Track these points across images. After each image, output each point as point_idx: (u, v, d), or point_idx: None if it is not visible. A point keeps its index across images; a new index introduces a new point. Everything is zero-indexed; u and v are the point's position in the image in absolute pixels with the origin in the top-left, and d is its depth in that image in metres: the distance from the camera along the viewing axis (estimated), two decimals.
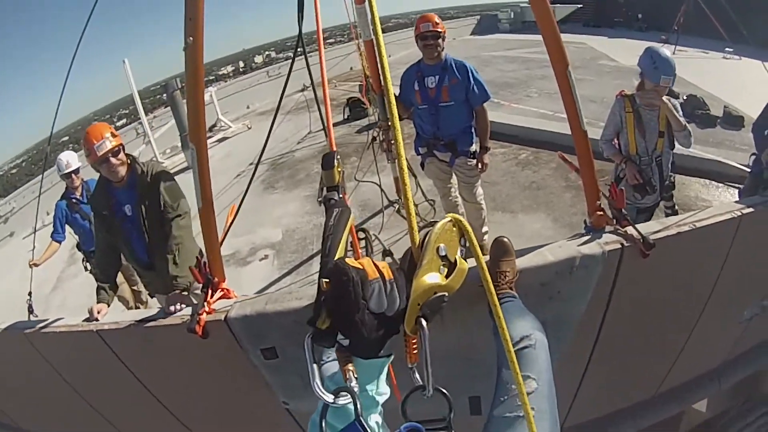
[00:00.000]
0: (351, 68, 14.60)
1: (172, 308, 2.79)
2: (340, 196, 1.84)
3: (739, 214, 2.83)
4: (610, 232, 2.70)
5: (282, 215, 6.81)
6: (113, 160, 3.21)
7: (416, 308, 0.98)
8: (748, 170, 4.18)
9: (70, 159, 5.06)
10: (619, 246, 2.57)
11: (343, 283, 0.92)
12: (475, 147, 4.42)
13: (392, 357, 1.03)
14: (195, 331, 2.48)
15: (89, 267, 5.44)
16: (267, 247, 6.02)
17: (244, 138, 11.51)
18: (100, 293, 3.41)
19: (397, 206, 5.93)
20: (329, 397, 0.90)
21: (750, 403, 4.86)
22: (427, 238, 1.03)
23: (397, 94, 4.33)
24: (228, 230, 2.81)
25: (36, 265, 4.75)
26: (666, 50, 3.68)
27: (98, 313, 3.21)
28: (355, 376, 0.94)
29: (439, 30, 4.09)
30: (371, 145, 4.75)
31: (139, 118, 11.59)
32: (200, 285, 2.72)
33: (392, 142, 4.52)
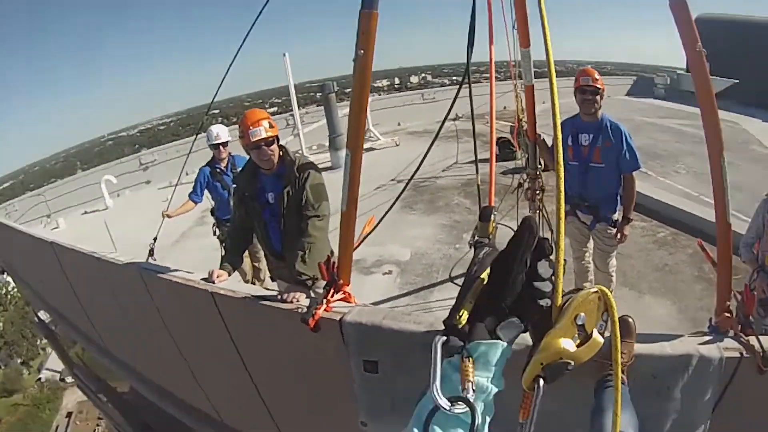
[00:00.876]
0: (504, 107, 14.52)
1: (288, 297, 2.86)
2: (491, 242, 1.86)
3: None
4: (732, 338, 2.54)
5: (415, 237, 6.87)
6: (265, 148, 3.29)
7: (538, 367, 0.96)
8: None
9: (220, 132, 5.50)
10: (738, 355, 2.41)
11: (528, 229, 0.95)
12: (617, 215, 4.23)
13: (510, 351, 0.99)
14: (308, 323, 2.54)
15: (218, 233, 5.85)
16: (393, 264, 6.10)
17: (391, 153, 11.68)
18: (224, 261, 3.57)
19: None
20: (446, 403, 0.87)
21: None
22: (568, 303, 1.00)
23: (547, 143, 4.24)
24: (364, 239, 2.88)
25: (168, 216, 5.04)
26: None
27: (217, 277, 3.38)
28: (472, 379, 0.91)
29: (598, 86, 3.98)
30: (516, 191, 4.72)
31: (291, 110, 11.99)
32: (323, 283, 2.78)
33: (537, 192, 4.50)
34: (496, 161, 9.12)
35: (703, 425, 2.56)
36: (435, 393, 0.88)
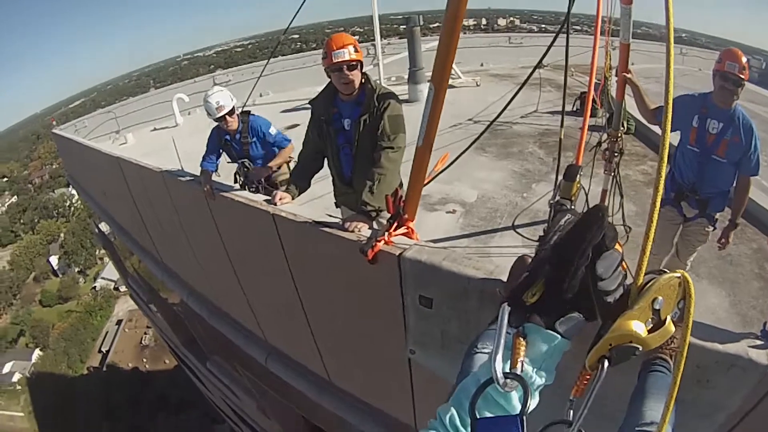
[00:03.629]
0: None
1: (349, 225, 2.86)
2: (572, 207, 1.79)
3: None
4: None
5: (483, 179, 6.72)
6: (346, 71, 3.24)
7: (606, 347, 0.93)
8: None
9: (222, 99, 4.54)
10: None
11: (595, 220, 0.91)
12: (718, 215, 3.97)
13: (569, 345, 0.97)
14: (366, 254, 2.54)
15: (240, 179, 5.12)
16: (458, 203, 6.00)
17: (470, 93, 11.36)
18: (289, 186, 3.59)
19: None
20: (502, 378, 0.87)
21: None
22: (648, 285, 0.96)
23: (658, 108, 3.86)
24: (436, 176, 2.82)
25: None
26: None
27: (280, 200, 3.43)
28: (522, 358, 0.90)
29: (743, 77, 3.53)
30: (594, 149, 4.52)
31: (373, 40, 11.89)
32: (387, 216, 2.77)
33: (615, 153, 4.29)
34: (577, 115, 8.99)
35: (729, 424, 2.50)
36: (495, 364, 0.87)
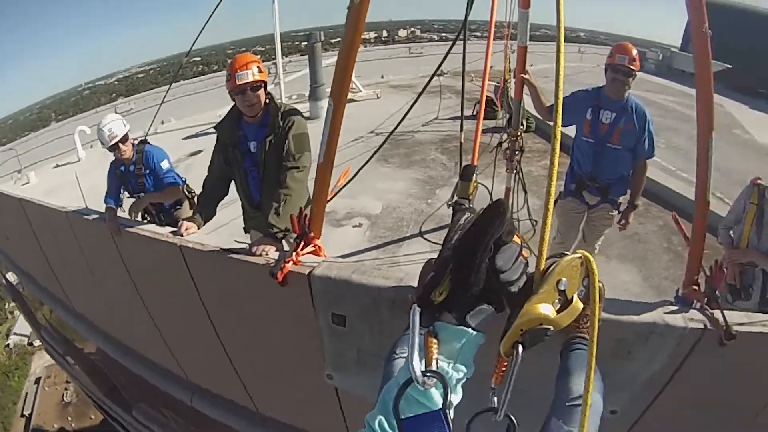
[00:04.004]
0: (491, 67, 14.42)
1: (257, 249, 2.79)
2: (470, 206, 1.82)
3: None
4: (696, 309, 2.56)
5: (387, 190, 6.81)
6: (250, 93, 3.18)
7: (518, 333, 0.96)
8: None
9: (114, 127, 4.24)
10: (702, 326, 2.43)
11: (496, 214, 0.93)
12: (622, 199, 4.17)
13: (483, 338, 0.99)
14: (276, 276, 2.48)
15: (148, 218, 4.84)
16: (363, 216, 6.04)
17: (371, 105, 11.51)
18: (195, 215, 3.47)
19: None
20: (420, 377, 0.87)
21: None
22: (551, 268, 1.00)
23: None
24: (338, 191, 2.80)
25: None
26: None
27: (186, 230, 3.28)
28: (436, 356, 0.92)
29: (633, 68, 3.73)
30: (495, 150, 4.67)
31: (275, 58, 11.74)
32: (294, 235, 2.71)
33: (516, 152, 4.42)
34: (477, 118, 9.29)
35: (658, 389, 2.61)
36: (413, 364, 0.87)
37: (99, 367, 8.53)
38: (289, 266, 2.53)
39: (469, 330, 0.96)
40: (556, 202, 4.27)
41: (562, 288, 0.99)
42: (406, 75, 15.17)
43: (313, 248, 2.67)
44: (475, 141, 2.18)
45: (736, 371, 2.55)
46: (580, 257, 1.03)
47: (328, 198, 2.69)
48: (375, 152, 3.02)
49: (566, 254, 1.03)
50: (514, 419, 1.01)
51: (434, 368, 0.90)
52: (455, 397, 0.97)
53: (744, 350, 2.37)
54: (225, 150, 3.42)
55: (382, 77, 15.10)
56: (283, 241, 3.00)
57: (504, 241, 0.95)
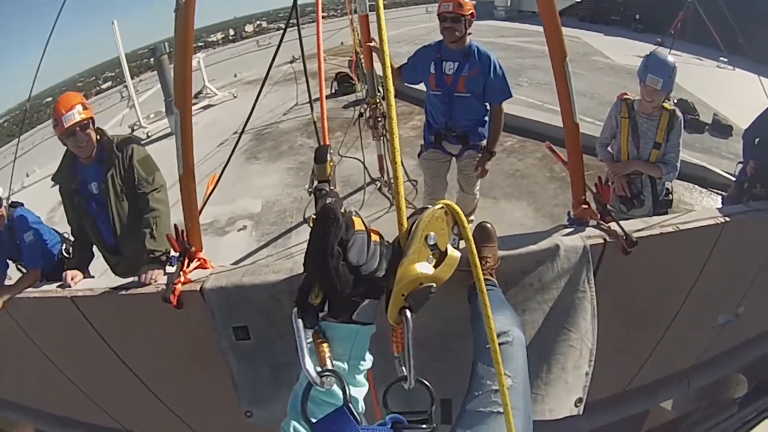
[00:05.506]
0: (342, 43, 14.30)
1: (144, 278, 2.72)
2: (331, 188, 1.81)
3: (723, 221, 2.86)
4: (593, 227, 2.71)
5: (262, 186, 6.74)
6: (80, 134, 3.06)
7: (400, 299, 0.93)
8: (734, 179, 4.19)
9: None
10: (602, 241, 2.60)
11: (327, 221, 0.89)
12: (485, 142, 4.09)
13: (374, 328, 0.98)
14: (170, 301, 2.44)
15: None
16: (246, 218, 5.96)
17: (230, 107, 11.31)
18: (74, 261, 3.37)
19: (379, 184, 5.88)
20: (317, 378, 0.87)
21: (716, 406, 4.96)
22: (414, 225, 0.97)
23: (402, 67, 4.05)
24: (207, 199, 2.75)
25: None
26: (668, 56, 3.52)
27: (72, 279, 3.14)
28: (329, 355, 0.90)
29: (461, 13, 3.68)
30: (357, 121, 4.69)
31: (125, 82, 11.31)
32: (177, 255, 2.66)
33: (379, 119, 4.47)
34: (337, 96, 9.37)
35: (582, 310, 2.73)
36: (305, 366, 0.86)
37: None
38: (180, 287, 2.48)
39: (357, 325, 0.94)
40: (419, 156, 4.34)
41: (431, 242, 0.95)
42: (258, 69, 14.96)
43: (198, 262, 2.63)
44: (322, 119, 2.19)
45: (647, 274, 2.75)
46: (442, 207, 0.99)
47: (200, 208, 2.63)
48: (232, 152, 2.99)
49: (428, 207, 0.99)
50: (427, 383, 1.02)
51: (330, 366, 0.89)
52: (359, 390, 0.97)
53: (648, 253, 2.55)
54: (70, 199, 3.30)
55: (235, 76, 14.89)
56: (169, 263, 2.93)
57: (347, 239, 0.91)
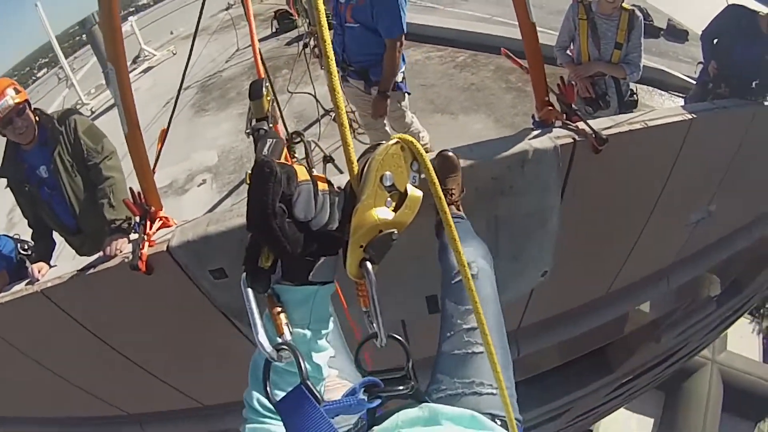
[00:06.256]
0: None
1: (109, 249, 2.61)
2: (270, 126, 1.68)
3: (690, 117, 2.88)
4: (560, 127, 2.66)
5: (216, 137, 6.57)
6: (18, 120, 2.89)
7: (359, 251, 0.83)
8: (693, 81, 4.24)
9: None
10: (571, 140, 2.56)
11: (264, 177, 0.76)
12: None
13: (333, 287, 0.90)
14: (138, 268, 2.35)
15: None
16: (204, 172, 5.84)
17: (170, 64, 10.88)
18: (36, 253, 3.22)
19: (333, 114, 5.55)
20: (274, 353, 0.79)
21: (695, 304, 5.12)
22: (367, 166, 0.85)
23: None
24: (159, 155, 2.65)
25: None
26: None
27: (39, 271, 3.00)
28: (286, 322, 0.83)
29: None
30: (302, 53, 4.52)
31: (60, 63, 10.93)
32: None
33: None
34: (279, 35, 9.20)
35: (554, 212, 2.76)
36: (261, 343, 0.79)
37: None
38: (146, 250, 2.39)
39: (314, 286, 0.86)
40: None
41: (388, 183, 0.84)
42: (194, 21, 14.51)
43: (161, 222, 2.54)
44: (254, 54, 2.07)
45: (618, 172, 2.75)
46: (397, 141, 0.86)
47: (153, 166, 2.52)
48: (174, 106, 2.89)
49: (381, 144, 0.86)
50: (400, 338, 0.95)
51: (288, 336, 0.82)
52: (322, 355, 0.91)
53: (619, 151, 2.54)
54: (20, 190, 3.15)
55: (171, 33, 14.25)
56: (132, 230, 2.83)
57: (290, 193, 0.78)
